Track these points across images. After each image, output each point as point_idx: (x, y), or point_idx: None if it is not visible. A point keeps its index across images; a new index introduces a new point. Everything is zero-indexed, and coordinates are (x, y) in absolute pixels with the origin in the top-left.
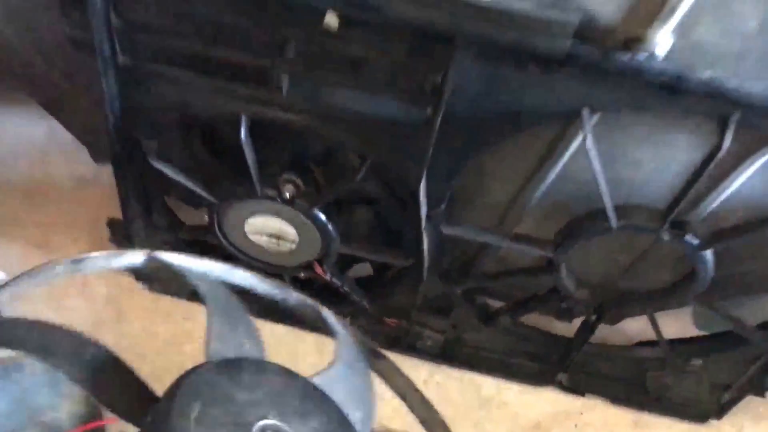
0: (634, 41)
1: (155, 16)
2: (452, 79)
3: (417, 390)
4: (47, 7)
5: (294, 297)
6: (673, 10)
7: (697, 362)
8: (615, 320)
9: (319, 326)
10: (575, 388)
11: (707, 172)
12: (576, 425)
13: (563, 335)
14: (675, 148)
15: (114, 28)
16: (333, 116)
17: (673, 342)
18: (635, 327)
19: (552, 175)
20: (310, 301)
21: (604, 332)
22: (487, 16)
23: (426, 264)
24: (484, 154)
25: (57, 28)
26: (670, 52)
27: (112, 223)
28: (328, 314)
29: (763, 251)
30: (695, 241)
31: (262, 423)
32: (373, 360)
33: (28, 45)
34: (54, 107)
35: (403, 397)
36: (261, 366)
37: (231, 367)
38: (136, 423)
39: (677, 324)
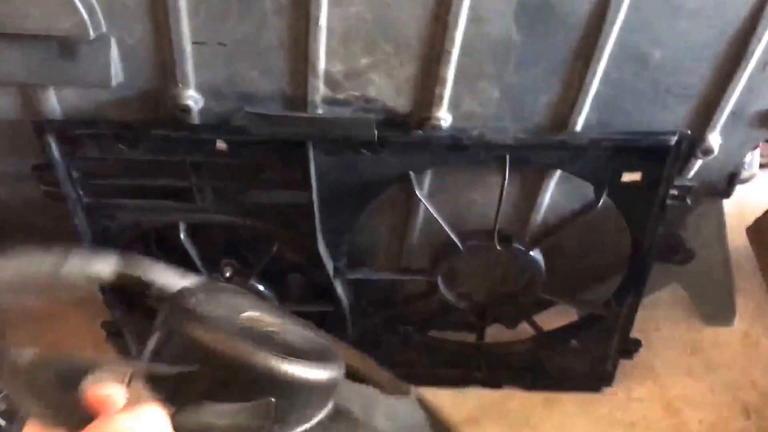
0: (425, 120)
1: (101, 166)
2: (313, 169)
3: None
4: (27, 176)
5: None
6: (441, 96)
7: (575, 342)
8: (511, 325)
9: None
10: (492, 383)
11: (523, 196)
12: (500, 413)
13: (471, 342)
14: (490, 187)
15: (75, 179)
16: (245, 211)
17: (553, 331)
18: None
19: (417, 222)
20: None
21: (508, 334)
22: (322, 124)
23: (345, 305)
24: (359, 216)
25: (35, 187)
26: (452, 122)
27: (104, 324)
28: None
29: (588, 251)
30: (521, 247)
31: (246, 314)
32: None
33: (19, 202)
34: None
35: None
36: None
37: (209, 287)
38: None
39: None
